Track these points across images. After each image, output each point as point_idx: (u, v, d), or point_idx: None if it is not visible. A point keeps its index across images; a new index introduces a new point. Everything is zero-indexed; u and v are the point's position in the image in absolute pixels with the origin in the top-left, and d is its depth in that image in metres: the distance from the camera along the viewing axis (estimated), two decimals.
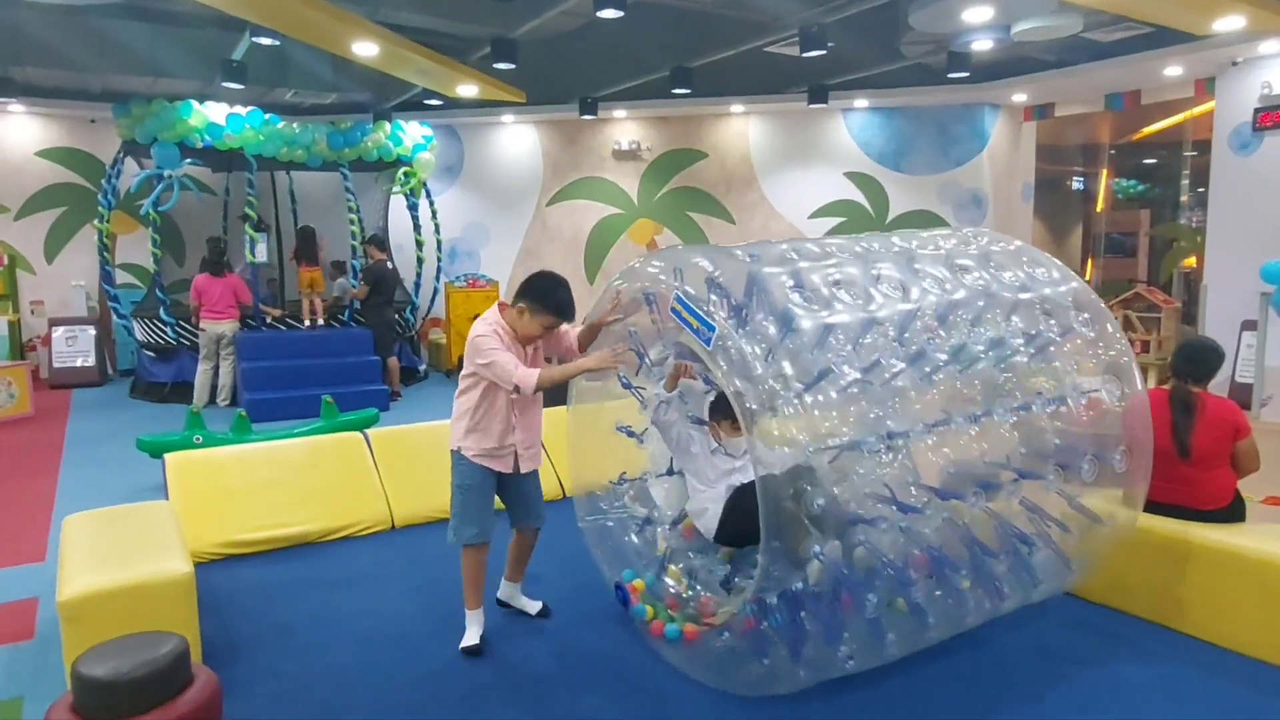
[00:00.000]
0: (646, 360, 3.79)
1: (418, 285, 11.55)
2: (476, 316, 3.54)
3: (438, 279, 11.87)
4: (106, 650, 2.55)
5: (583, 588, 4.25)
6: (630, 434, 4.08)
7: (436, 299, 11.92)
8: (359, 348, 9.51)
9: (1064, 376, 3.50)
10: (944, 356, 3.22)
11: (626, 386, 3.89)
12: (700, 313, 3.04)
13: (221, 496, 4.87)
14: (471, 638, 3.61)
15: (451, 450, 3.61)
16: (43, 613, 4.02)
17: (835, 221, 12.21)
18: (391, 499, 5.28)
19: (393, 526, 5.20)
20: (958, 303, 3.40)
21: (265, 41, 8.26)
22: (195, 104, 9.46)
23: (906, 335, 3.18)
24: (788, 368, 2.91)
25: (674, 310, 3.12)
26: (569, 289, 3.49)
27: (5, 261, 11.01)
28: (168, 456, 5.10)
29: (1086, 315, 3.69)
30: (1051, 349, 3.50)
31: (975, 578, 3.20)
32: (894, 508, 2.95)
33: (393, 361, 9.86)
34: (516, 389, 3.36)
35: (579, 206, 12.90)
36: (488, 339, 3.38)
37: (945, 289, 3.43)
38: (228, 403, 9.13)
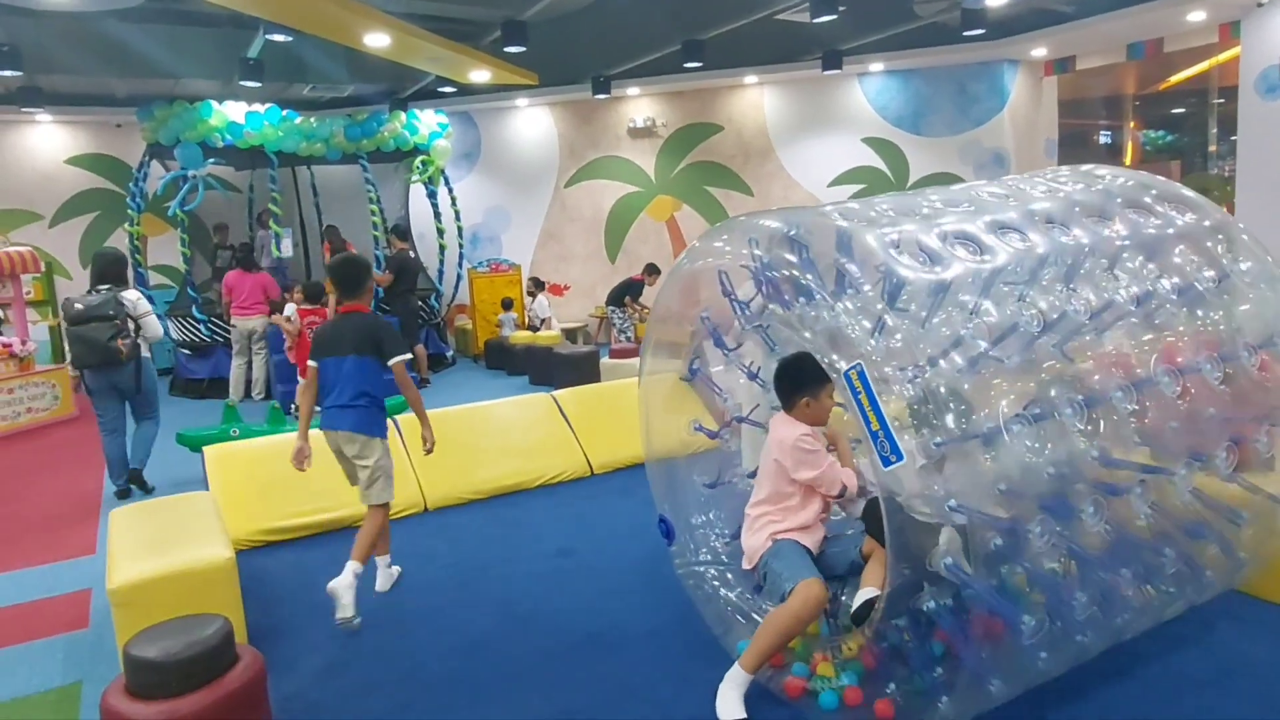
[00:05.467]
0: (726, 350, 3.46)
1: (441, 272, 11.66)
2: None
3: (461, 265, 11.98)
4: (156, 633, 2.67)
5: (613, 562, 4.35)
6: (711, 434, 3.74)
7: (461, 285, 12.05)
8: None
9: (1229, 331, 2.92)
10: (1085, 316, 2.67)
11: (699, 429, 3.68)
12: (885, 413, 2.37)
13: (259, 485, 5.02)
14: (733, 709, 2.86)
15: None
16: (96, 602, 4.20)
17: (855, 188, 12.11)
18: (423, 482, 5.40)
19: (425, 509, 5.33)
20: (1089, 251, 2.86)
21: (279, 38, 8.37)
22: (215, 104, 9.60)
23: (1033, 294, 2.66)
24: (899, 337, 2.42)
25: (847, 377, 2.44)
26: (802, 354, 3.01)
27: (43, 268, 11.27)
28: (207, 449, 5.27)
29: (1237, 255, 3.13)
30: (1209, 299, 2.94)
31: (1144, 578, 2.71)
32: (1043, 508, 2.45)
33: (419, 349, 9.99)
34: (843, 493, 3.04)
35: (597, 186, 12.93)
36: (810, 440, 2.97)
37: (1069, 236, 2.89)
38: (262, 396, 9.33)
